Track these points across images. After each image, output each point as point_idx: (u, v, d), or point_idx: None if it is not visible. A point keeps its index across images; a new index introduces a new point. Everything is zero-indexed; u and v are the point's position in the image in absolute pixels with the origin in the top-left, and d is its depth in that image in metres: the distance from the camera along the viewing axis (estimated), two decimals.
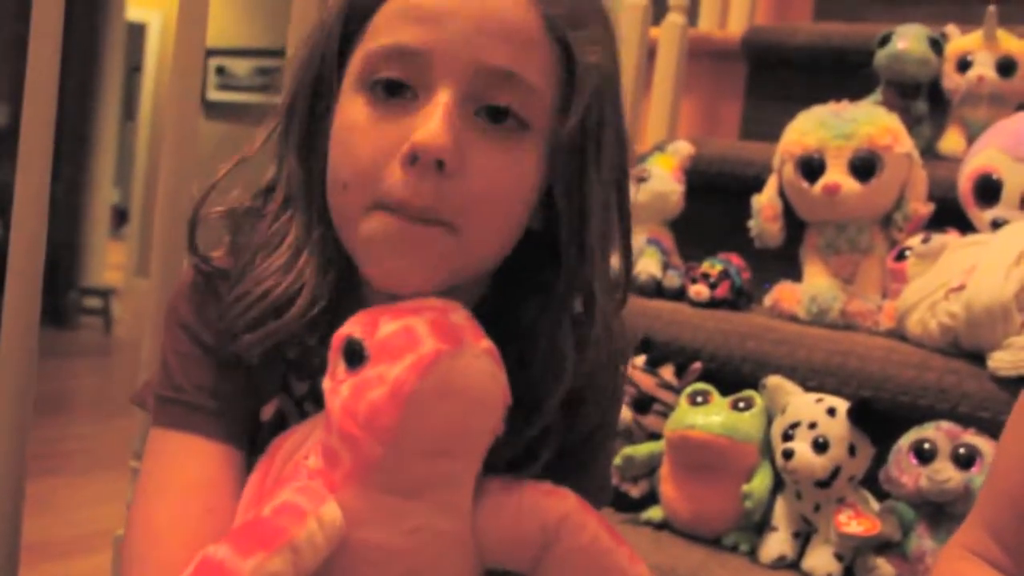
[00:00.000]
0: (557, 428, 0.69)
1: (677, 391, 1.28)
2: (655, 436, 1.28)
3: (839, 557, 1.13)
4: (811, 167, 1.39)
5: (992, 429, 1.09)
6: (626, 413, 1.29)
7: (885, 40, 1.63)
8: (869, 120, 1.39)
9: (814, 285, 1.41)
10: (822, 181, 1.38)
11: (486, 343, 0.62)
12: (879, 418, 1.13)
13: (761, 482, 1.18)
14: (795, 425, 1.15)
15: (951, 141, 1.60)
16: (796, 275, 1.46)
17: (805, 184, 1.40)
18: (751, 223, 1.49)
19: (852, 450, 1.12)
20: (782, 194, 1.46)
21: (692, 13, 2.02)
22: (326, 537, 0.61)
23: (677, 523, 1.23)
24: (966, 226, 1.34)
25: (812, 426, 1.14)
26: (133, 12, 5.97)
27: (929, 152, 1.57)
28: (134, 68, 6.58)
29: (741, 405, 1.21)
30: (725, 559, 1.17)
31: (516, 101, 0.64)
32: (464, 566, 0.66)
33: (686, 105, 2.03)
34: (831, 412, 1.14)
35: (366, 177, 0.63)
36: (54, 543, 2.24)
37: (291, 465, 0.67)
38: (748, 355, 1.31)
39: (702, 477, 1.20)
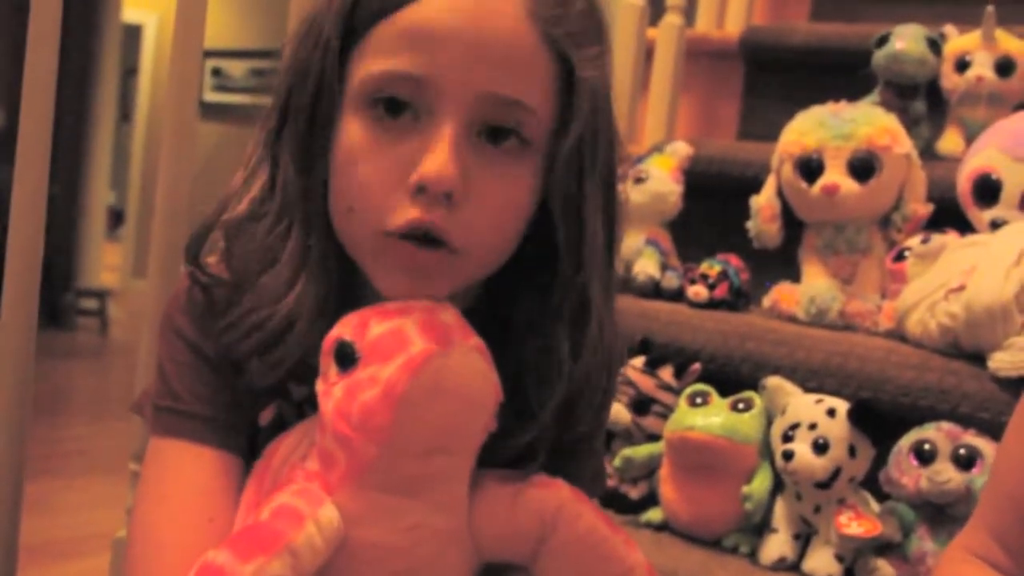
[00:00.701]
0: (552, 429, 0.69)
1: (676, 392, 1.28)
2: (654, 437, 1.28)
3: (840, 558, 1.13)
4: (810, 167, 1.39)
5: (993, 430, 1.09)
6: (625, 414, 1.29)
7: (883, 40, 1.62)
8: (868, 120, 1.38)
9: (813, 286, 1.40)
10: (821, 181, 1.38)
11: (475, 341, 0.63)
12: (879, 419, 1.13)
13: (761, 483, 1.18)
14: (795, 426, 1.15)
15: (950, 141, 1.60)
16: (795, 276, 1.46)
17: (804, 184, 1.40)
18: (749, 224, 1.49)
19: (852, 451, 1.12)
20: (780, 194, 1.46)
21: (689, 13, 2.02)
22: (324, 539, 0.62)
23: (677, 525, 1.23)
24: (965, 226, 1.34)
25: (812, 427, 1.13)
26: (129, 14, 5.98)
27: (928, 152, 1.57)
28: (130, 70, 6.59)
29: (741, 406, 1.21)
30: (725, 561, 1.17)
31: (517, 122, 0.64)
32: (462, 562, 0.67)
33: (684, 106, 2.03)
34: (831, 413, 1.14)
35: (372, 205, 0.64)
36: (52, 545, 2.23)
37: (287, 468, 0.67)
38: (747, 356, 1.31)
39: (702, 478, 1.20)
